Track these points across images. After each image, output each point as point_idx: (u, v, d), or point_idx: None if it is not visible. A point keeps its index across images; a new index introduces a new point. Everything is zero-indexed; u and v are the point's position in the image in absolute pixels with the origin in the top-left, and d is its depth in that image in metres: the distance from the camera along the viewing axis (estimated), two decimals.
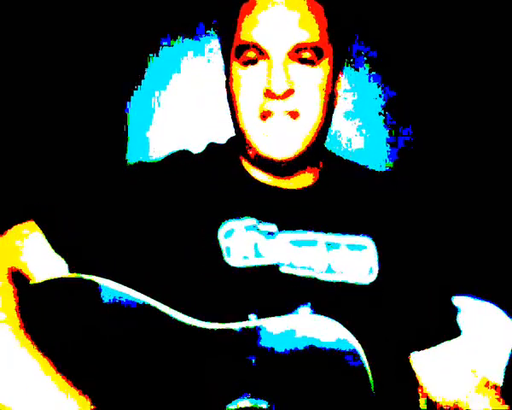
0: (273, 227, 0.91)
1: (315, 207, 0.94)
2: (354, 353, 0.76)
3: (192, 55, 1.43)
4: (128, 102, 1.43)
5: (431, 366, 0.95)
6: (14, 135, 1.40)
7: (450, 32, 1.40)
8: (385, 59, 1.43)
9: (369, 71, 1.43)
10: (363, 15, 1.35)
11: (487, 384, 0.93)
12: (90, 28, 1.40)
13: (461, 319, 1.10)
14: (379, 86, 1.44)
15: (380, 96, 1.44)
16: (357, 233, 0.93)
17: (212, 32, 1.43)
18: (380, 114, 1.44)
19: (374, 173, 1.05)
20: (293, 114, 0.89)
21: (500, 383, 1.07)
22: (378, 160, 1.44)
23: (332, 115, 0.96)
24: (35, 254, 0.89)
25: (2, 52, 1.38)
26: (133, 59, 1.42)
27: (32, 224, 0.90)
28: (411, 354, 0.96)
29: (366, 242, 0.93)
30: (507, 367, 1.10)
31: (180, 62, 1.44)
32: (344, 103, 1.37)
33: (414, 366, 0.96)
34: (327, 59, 0.91)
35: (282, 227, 0.91)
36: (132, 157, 1.43)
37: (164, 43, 1.43)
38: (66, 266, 0.89)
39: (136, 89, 1.43)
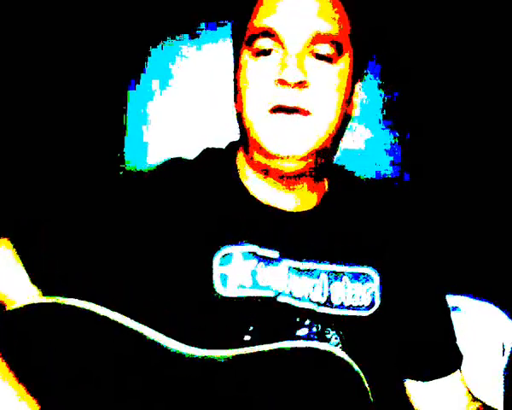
0: (275, 253, 0.86)
1: (318, 234, 0.89)
2: (356, 377, 0.73)
3: (191, 55, 1.43)
4: (126, 103, 1.42)
5: (427, 396, 0.94)
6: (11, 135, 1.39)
7: (453, 32, 1.40)
8: (387, 62, 1.42)
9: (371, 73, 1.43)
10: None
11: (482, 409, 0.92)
12: (88, 28, 1.39)
13: (460, 319, 1.10)
14: (381, 89, 1.43)
15: (383, 100, 1.43)
16: (361, 264, 0.89)
17: (211, 32, 1.42)
18: (383, 118, 1.44)
19: (380, 191, 1.01)
20: (305, 111, 0.82)
21: (500, 399, 1.07)
22: (381, 164, 1.44)
23: (346, 125, 0.89)
24: (5, 273, 0.83)
25: None
26: (131, 59, 1.41)
27: (4, 241, 0.85)
28: (407, 382, 0.95)
29: (370, 272, 0.89)
30: (507, 369, 1.10)
31: (179, 63, 1.43)
32: None
33: (410, 396, 0.95)
34: (346, 59, 0.84)
35: (283, 254, 0.86)
36: (131, 158, 1.43)
37: (162, 43, 1.42)
38: (38, 291, 0.83)
39: (135, 89, 1.42)
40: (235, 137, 1.03)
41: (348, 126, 0.90)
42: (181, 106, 1.43)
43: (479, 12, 1.38)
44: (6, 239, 0.85)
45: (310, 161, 0.85)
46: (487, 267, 1.37)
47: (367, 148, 1.43)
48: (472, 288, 1.20)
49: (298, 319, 0.84)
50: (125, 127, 1.43)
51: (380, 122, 1.43)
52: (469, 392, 0.94)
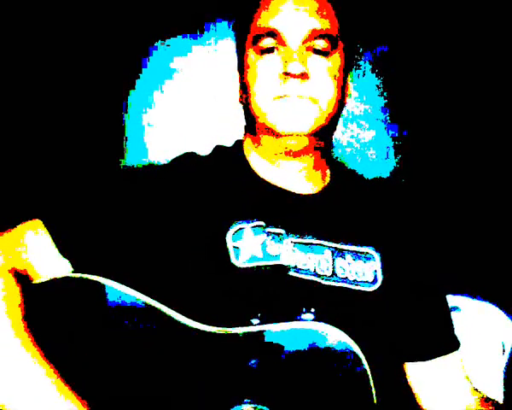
0: (280, 230, 0.93)
1: (323, 215, 0.97)
2: (356, 359, 0.76)
3: (191, 55, 1.43)
4: (126, 103, 1.43)
5: (428, 380, 0.97)
6: (16, 134, 1.39)
7: (453, 31, 1.40)
8: (387, 59, 1.42)
9: (372, 71, 1.43)
10: (366, 15, 1.34)
11: (484, 401, 0.94)
12: (87, 29, 1.39)
13: (460, 319, 1.10)
14: (380, 89, 1.44)
15: (382, 97, 1.43)
16: (363, 244, 0.95)
17: (211, 31, 1.42)
18: (382, 114, 1.44)
19: (380, 183, 1.10)
20: (308, 99, 0.92)
21: (500, 398, 1.07)
22: (381, 160, 1.44)
23: (341, 111, 0.99)
24: (39, 253, 0.89)
25: None
26: (131, 58, 1.42)
27: (36, 222, 0.90)
28: (406, 364, 0.99)
29: (371, 252, 0.95)
30: (507, 368, 1.10)
31: (179, 62, 1.43)
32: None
33: (409, 378, 0.99)
34: (338, 52, 0.95)
35: (289, 231, 0.94)
36: (131, 157, 1.43)
37: (162, 43, 1.42)
38: (69, 266, 0.89)
39: (134, 89, 1.42)
40: (236, 135, 1.05)
41: (342, 113, 1.00)
42: (181, 106, 1.43)
43: (479, 13, 1.39)
44: (38, 221, 0.91)
45: (312, 137, 0.94)
46: (487, 267, 1.38)
47: (368, 148, 1.43)
48: (472, 288, 1.20)
49: (304, 293, 0.90)
50: (125, 127, 1.43)
51: (380, 121, 1.44)
52: (471, 383, 0.97)
